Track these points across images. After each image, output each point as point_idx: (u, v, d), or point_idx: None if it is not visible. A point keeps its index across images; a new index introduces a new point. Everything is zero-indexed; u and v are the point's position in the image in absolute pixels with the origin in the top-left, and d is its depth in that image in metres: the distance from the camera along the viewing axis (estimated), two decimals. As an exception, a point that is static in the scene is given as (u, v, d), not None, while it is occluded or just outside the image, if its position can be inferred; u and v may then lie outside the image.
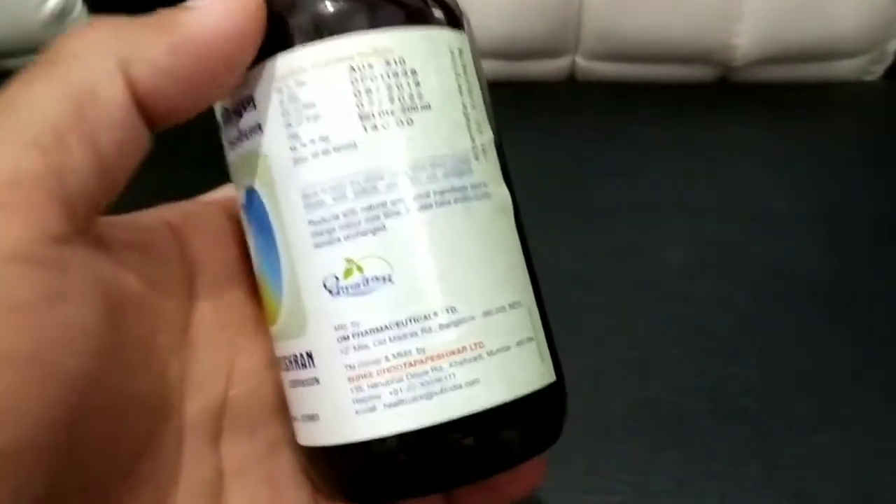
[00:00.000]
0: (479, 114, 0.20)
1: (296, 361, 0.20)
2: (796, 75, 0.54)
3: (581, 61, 0.54)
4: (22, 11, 0.53)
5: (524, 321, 0.20)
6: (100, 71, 0.17)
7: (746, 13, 0.50)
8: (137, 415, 0.19)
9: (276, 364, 0.21)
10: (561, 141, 0.48)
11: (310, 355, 0.20)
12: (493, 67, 0.52)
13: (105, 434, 0.17)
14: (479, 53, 0.22)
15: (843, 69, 0.55)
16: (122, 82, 0.17)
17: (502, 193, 0.20)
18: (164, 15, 0.18)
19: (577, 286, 0.40)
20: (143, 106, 0.17)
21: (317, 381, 0.20)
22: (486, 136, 0.20)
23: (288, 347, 0.20)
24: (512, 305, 0.20)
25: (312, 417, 0.20)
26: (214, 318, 0.21)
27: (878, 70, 0.56)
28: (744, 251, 0.42)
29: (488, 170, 0.20)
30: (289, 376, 0.21)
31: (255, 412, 0.22)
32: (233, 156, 0.21)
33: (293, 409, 0.21)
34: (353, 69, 0.19)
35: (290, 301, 0.20)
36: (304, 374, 0.20)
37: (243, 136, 0.20)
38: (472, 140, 0.20)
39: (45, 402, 0.15)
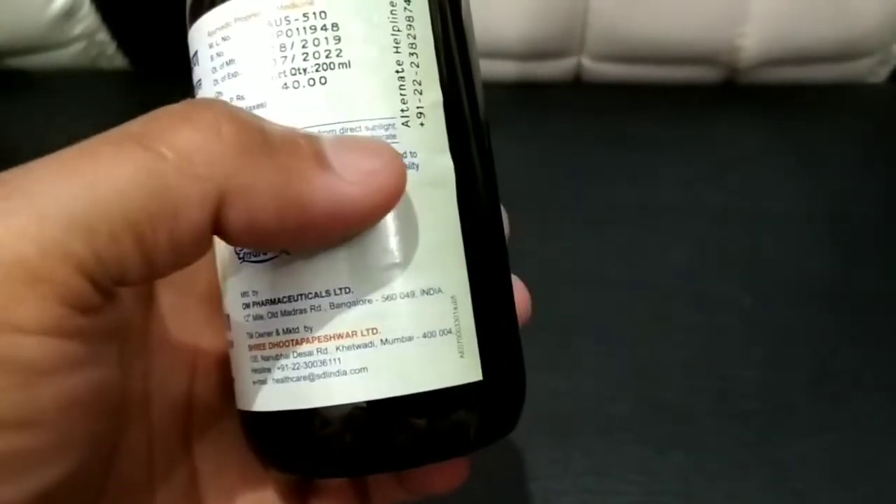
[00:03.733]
0: (424, 73, 0.18)
1: (225, 322, 0.20)
2: (802, 77, 0.54)
3: (587, 62, 0.54)
4: (28, 10, 0.53)
5: (440, 311, 0.18)
6: (195, 192, 0.15)
7: (752, 15, 0.50)
8: (107, 425, 0.18)
9: None
10: (566, 142, 0.48)
11: (228, 317, 0.19)
12: (498, 68, 0.52)
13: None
14: (467, 5, 0.20)
15: (849, 71, 0.54)
16: (211, 216, 0.15)
17: (439, 164, 0.18)
18: (300, 153, 0.16)
19: (582, 286, 0.40)
20: (218, 234, 0.16)
21: (232, 344, 0.19)
22: (430, 98, 0.18)
23: (223, 307, 0.20)
24: (426, 292, 0.18)
25: (233, 380, 0.20)
26: (173, 312, 0.21)
27: (883, 72, 0.56)
28: (749, 252, 0.42)
29: (423, 137, 0.18)
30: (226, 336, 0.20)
31: (224, 405, 0.21)
32: None
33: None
34: (270, 24, 0.17)
35: (218, 261, 0.20)
36: (228, 335, 0.19)
37: (194, 90, 0.20)
38: (404, 103, 0.18)
39: (57, 462, 0.15)
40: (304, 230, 0.16)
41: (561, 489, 0.32)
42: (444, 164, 0.18)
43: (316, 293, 0.17)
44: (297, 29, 0.17)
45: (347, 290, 0.17)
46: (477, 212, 0.19)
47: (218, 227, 0.15)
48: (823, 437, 0.34)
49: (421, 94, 0.18)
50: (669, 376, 0.36)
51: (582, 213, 0.44)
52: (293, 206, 0.16)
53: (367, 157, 0.17)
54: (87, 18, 0.54)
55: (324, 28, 0.17)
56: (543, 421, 0.34)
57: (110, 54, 0.56)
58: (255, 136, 0.16)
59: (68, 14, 0.53)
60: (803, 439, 0.34)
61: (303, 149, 0.16)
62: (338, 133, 0.17)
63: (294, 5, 0.17)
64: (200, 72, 0.19)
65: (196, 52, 0.19)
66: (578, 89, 0.54)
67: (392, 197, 0.17)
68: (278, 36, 0.17)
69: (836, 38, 0.52)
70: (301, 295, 0.17)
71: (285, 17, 0.17)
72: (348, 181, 0.16)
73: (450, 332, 0.18)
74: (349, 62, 0.17)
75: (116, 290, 0.15)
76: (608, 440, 0.34)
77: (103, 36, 0.55)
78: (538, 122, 0.49)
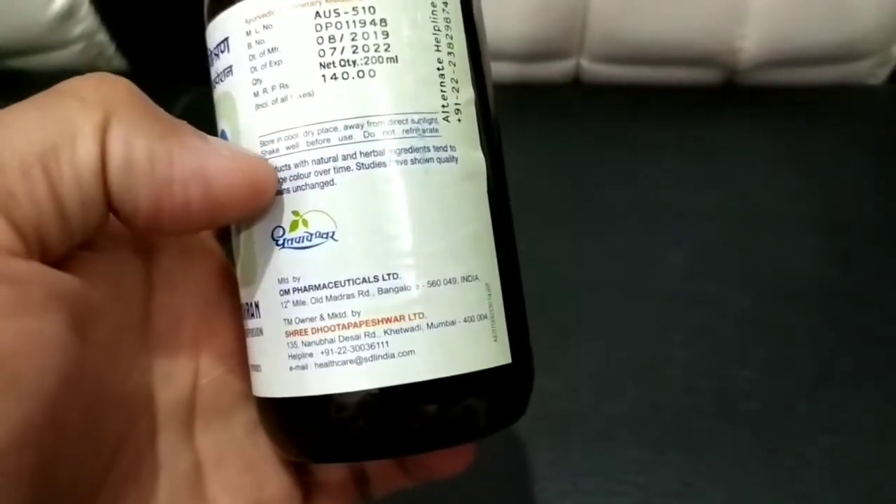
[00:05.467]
0: (460, 72, 0.19)
1: (248, 310, 0.20)
2: (801, 79, 0.54)
3: (586, 64, 0.54)
4: (28, 11, 0.53)
5: (478, 297, 0.19)
6: (88, 118, 0.17)
7: (752, 16, 0.50)
8: (110, 418, 0.19)
9: (243, 349, 0.21)
10: (565, 143, 0.48)
11: (257, 305, 0.19)
12: (497, 69, 0.52)
13: (82, 441, 0.17)
14: (480, 9, 0.21)
15: (848, 73, 0.55)
16: (100, 146, 0.17)
17: (474, 159, 0.19)
18: (185, 125, 0.18)
19: (581, 288, 0.40)
20: (107, 184, 0.17)
21: (261, 331, 0.19)
22: (465, 96, 0.19)
23: (243, 295, 0.20)
24: (465, 279, 0.19)
25: (257, 368, 0.20)
26: (174, 308, 0.21)
27: (882, 74, 0.56)
28: (748, 254, 0.42)
29: (460, 132, 0.19)
30: (245, 324, 0.20)
31: (227, 399, 0.21)
32: (214, 98, 0.21)
33: (249, 357, 0.21)
34: (319, 14, 0.18)
35: (245, 249, 0.20)
36: (252, 323, 0.20)
37: (219, 78, 0.20)
38: (444, 99, 0.19)
39: (13, 415, 0.15)
40: (175, 183, 0.17)
41: (560, 490, 0.32)
42: (478, 159, 0.19)
43: (364, 278, 0.18)
44: (347, 22, 0.18)
45: (395, 276, 0.18)
46: (500, 204, 0.20)
47: (104, 160, 0.17)
48: (823, 439, 0.34)
49: (458, 91, 0.19)
50: (669, 377, 0.36)
51: (581, 213, 0.44)
52: (167, 152, 0.17)
53: (244, 152, 0.19)
54: (87, 19, 0.54)
55: (373, 23, 0.18)
56: (543, 422, 0.34)
57: (109, 55, 0.56)
58: (150, 102, 0.18)
59: (67, 15, 0.53)
60: (803, 440, 0.34)
61: (188, 125, 0.18)
62: (385, 125, 0.18)
63: None
64: (232, 59, 0.19)
65: (226, 40, 0.19)
66: (578, 90, 0.54)
67: (258, 183, 0.18)
68: (327, 27, 0.18)
69: (836, 40, 0.52)
70: (349, 280, 0.18)
71: (335, 10, 0.18)
72: (220, 151, 0.18)
73: (485, 317, 0.19)
74: (396, 57, 0.18)
75: (45, 249, 0.16)
76: (607, 441, 0.34)
77: (102, 37, 0.55)
78: (537, 124, 0.49)
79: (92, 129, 0.16)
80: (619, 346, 0.37)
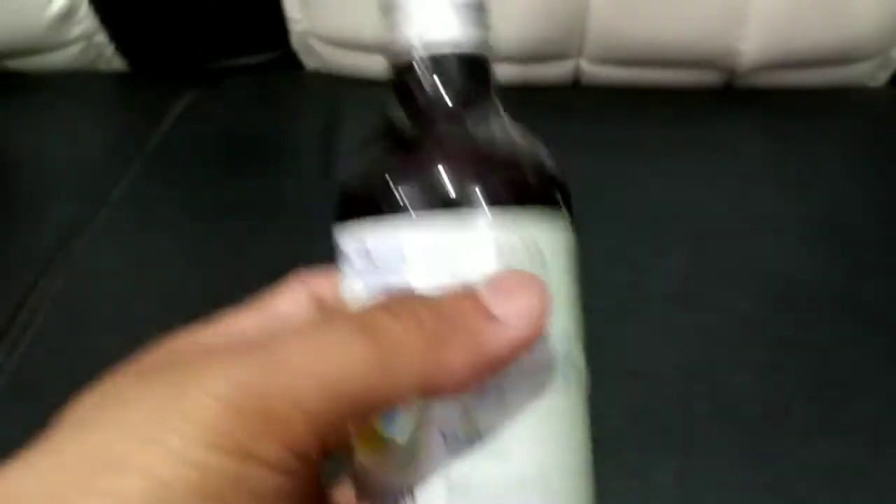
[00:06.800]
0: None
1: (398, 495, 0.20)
2: (801, 81, 0.54)
3: (586, 65, 0.54)
4: (28, 12, 0.53)
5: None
6: (405, 384, 0.18)
7: (751, 19, 0.50)
8: None
9: None
10: (564, 145, 0.48)
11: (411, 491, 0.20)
12: (497, 70, 0.52)
13: None
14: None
15: (848, 75, 0.55)
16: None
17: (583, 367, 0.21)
18: (470, 315, 0.19)
19: (581, 288, 0.40)
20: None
21: None
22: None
23: (381, 478, 0.21)
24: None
25: None
26: None
27: (882, 76, 0.56)
28: (747, 256, 0.42)
29: (578, 346, 0.21)
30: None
31: None
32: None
33: None
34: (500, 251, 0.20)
35: (403, 437, 0.20)
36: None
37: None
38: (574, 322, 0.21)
39: None
40: (486, 376, 0.19)
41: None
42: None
43: None
44: (521, 260, 0.21)
45: None
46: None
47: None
48: (822, 443, 0.34)
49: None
50: (667, 381, 0.36)
51: (579, 216, 0.44)
52: (479, 365, 0.18)
53: (521, 296, 0.19)
54: (86, 20, 0.54)
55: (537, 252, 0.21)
56: (542, 424, 0.34)
57: (108, 56, 0.56)
58: (443, 320, 0.19)
59: (67, 16, 0.53)
60: (802, 444, 0.34)
61: (470, 312, 0.19)
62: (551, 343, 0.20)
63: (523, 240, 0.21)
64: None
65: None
66: (577, 92, 0.55)
67: (546, 322, 0.19)
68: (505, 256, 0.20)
69: (836, 43, 0.52)
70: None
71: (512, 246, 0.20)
72: (514, 326, 0.19)
73: None
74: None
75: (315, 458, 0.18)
76: (604, 445, 0.34)
77: (101, 38, 0.55)
78: (536, 125, 0.49)
79: (406, 388, 0.18)
80: (617, 349, 0.37)
